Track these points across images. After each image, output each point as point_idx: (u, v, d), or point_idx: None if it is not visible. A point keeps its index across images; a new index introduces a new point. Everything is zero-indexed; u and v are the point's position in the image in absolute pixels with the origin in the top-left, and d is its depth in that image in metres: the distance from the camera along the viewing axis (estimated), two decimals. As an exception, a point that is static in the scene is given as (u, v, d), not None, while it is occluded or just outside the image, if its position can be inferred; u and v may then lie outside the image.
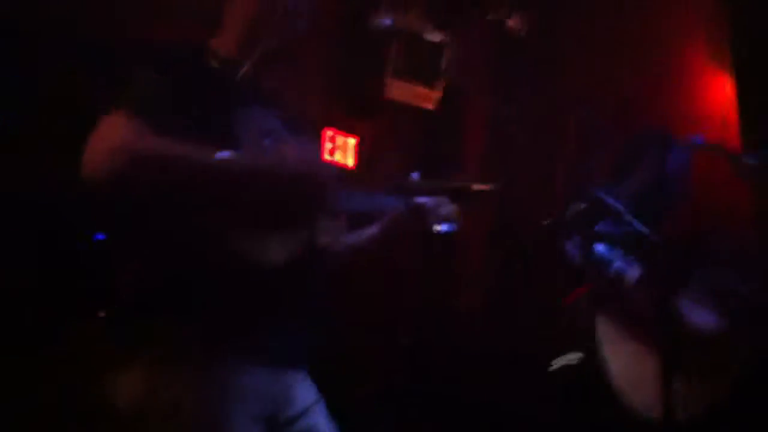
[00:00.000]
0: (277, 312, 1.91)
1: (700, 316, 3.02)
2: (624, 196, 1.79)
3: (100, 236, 3.18)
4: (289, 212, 1.86)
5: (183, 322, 1.81)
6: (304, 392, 2.01)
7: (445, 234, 2.09)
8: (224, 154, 1.77)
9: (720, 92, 4.35)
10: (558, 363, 3.04)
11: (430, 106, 4.03)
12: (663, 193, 3.31)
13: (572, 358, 3.03)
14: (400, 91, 3.73)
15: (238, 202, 1.81)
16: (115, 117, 1.77)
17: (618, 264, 2.97)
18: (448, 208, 2.09)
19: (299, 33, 2.07)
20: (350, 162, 4.15)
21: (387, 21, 2.08)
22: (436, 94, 3.86)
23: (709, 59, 4.49)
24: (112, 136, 1.74)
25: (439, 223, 2.08)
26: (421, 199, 2.09)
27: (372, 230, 2.20)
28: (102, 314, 2.84)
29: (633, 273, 2.97)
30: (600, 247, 2.99)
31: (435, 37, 2.56)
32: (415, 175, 2.18)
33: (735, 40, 4.15)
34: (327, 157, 3.79)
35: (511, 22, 4.77)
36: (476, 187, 2.07)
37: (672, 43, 4.59)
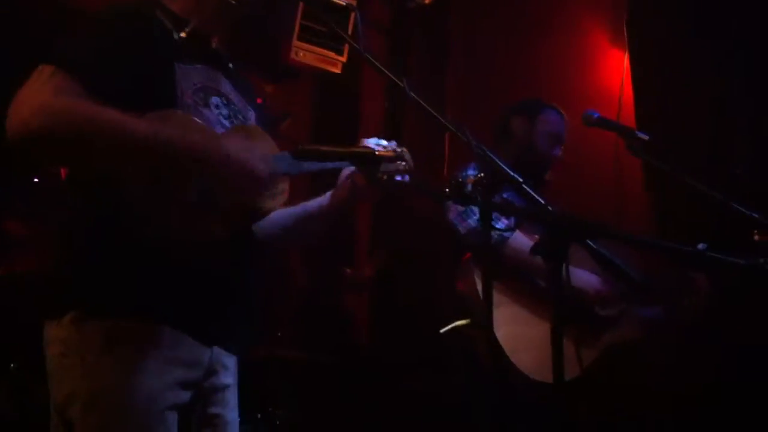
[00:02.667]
0: (215, 289, 1.90)
1: (584, 278, 3.15)
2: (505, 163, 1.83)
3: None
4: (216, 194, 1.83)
5: (118, 297, 1.80)
6: (229, 368, 2.01)
7: (401, 183, 2.08)
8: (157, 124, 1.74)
9: (617, 70, 4.48)
10: (446, 328, 3.10)
11: (336, 70, 4.02)
12: (537, 159, 3.41)
13: (460, 323, 3.10)
14: (306, 54, 3.70)
15: (165, 177, 1.77)
16: (43, 71, 1.72)
17: (500, 228, 3.05)
18: (402, 161, 2.08)
19: None
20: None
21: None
22: (342, 59, 3.85)
23: (607, 39, 4.62)
24: (39, 92, 1.69)
25: (394, 173, 2.07)
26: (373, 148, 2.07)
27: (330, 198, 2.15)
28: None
29: (517, 239, 3.06)
30: (475, 216, 3.06)
31: (341, 0, 2.55)
32: None
33: (631, 22, 4.27)
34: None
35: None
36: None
37: (572, 22, 4.70)
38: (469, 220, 3.11)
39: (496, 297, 3.02)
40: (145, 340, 1.80)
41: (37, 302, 1.96)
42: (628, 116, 4.13)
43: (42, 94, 1.69)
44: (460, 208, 3.12)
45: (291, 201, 2.06)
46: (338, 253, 4.85)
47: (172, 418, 1.82)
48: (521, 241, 3.04)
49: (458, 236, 3.15)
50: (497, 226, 3.06)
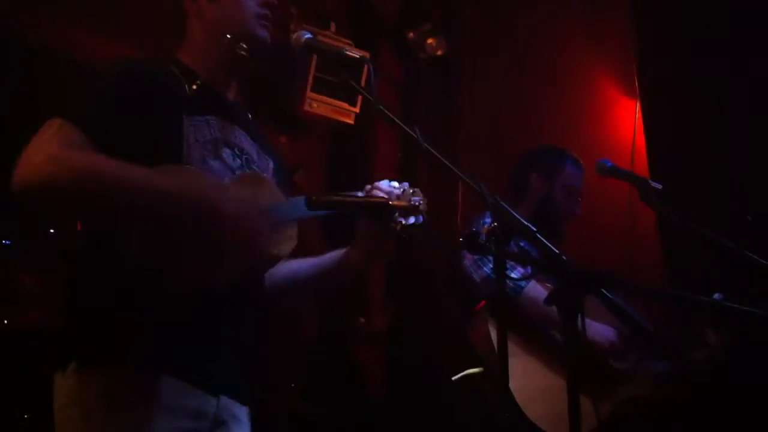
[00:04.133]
0: (220, 336, 1.89)
1: (600, 330, 3.12)
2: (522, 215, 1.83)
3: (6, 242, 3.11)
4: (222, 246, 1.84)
5: (119, 348, 1.79)
6: (240, 420, 1.99)
7: (414, 226, 2.08)
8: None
9: (628, 119, 4.49)
10: (458, 376, 3.07)
11: (349, 121, 4.06)
12: (557, 214, 3.40)
13: (473, 371, 3.07)
14: (320, 105, 3.75)
15: (164, 227, 1.78)
16: (52, 123, 1.76)
17: (514, 278, 3.03)
18: (417, 199, 2.09)
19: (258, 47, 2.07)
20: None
21: (306, 34, 2.09)
22: (355, 110, 3.90)
23: (619, 88, 4.64)
24: (46, 144, 1.72)
25: (407, 216, 2.07)
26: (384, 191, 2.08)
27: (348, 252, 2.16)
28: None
29: (532, 289, 3.04)
30: (490, 265, 3.05)
31: (354, 52, 2.56)
32: None
33: (642, 72, 4.28)
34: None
35: (430, 42, 4.85)
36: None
37: (583, 72, 4.72)
38: (484, 269, 3.10)
39: (510, 347, 2.98)
40: (146, 391, 1.78)
41: (45, 354, 1.96)
42: (642, 165, 4.13)
43: (49, 146, 1.72)
44: (475, 257, 3.11)
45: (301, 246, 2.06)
46: (351, 302, 4.83)
47: None
48: (536, 291, 3.02)
49: (472, 285, 3.14)
50: (512, 276, 3.04)
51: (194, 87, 1.98)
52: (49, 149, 1.71)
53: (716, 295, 2.70)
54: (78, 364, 1.79)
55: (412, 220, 2.07)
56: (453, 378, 3.08)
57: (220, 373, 1.91)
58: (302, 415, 4.01)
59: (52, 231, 3.38)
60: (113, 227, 1.76)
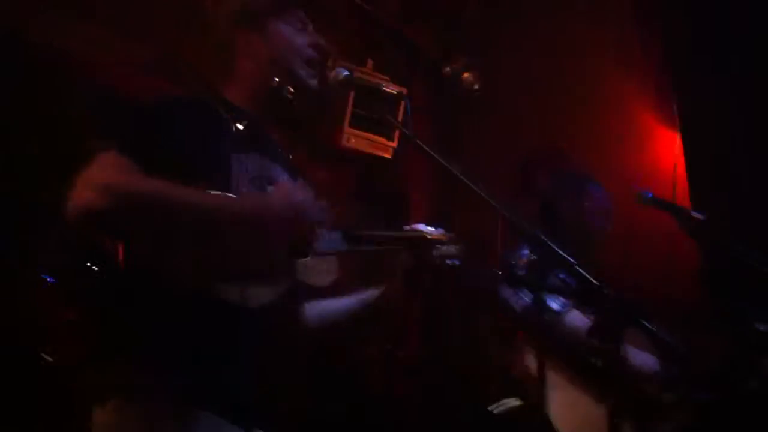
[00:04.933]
0: (257, 368, 1.90)
1: (642, 360, 3.08)
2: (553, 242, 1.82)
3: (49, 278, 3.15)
4: (272, 256, 1.85)
5: (163, 373, 1.80)
6: None
7: (454, 268, 2.10)
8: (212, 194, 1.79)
9: (669, 149, 4.46)
10: (498, 408, 3.04)
11: (387, 156, 4.08)
12: (582, 236, 3.39)
13: (512, 403, 3.04)
14: (357, 140, 3.78)
15: (221, 245, 1.80)
16: (105, 155, 1.78)
17: (555, 309, 3.02)
18: (453, 245, 2.10)
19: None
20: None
21: (344, 72, 2.12)
22: (393, 144, 3.92)
23: (657, 117, 4.62)
24: (101, 173, 1.74)
25: (447, 258, 2.09)
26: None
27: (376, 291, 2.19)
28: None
29: (572, 318, 3.02)
30: (531, 295, 3.03)
31: (391, 88, 2.60)
32: None
33: (681, 100, 4.27)
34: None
35: (466, 76, 4.87)
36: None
37: (620, 101, 4.71)
38: (525, 299, 3.09)
39: (551, 378, 2.98)
40: (183, 426, 1.78)
41: (85, 388, 1.98)
42: (683, 195, 4.10)
43: (103, 174, 1.74)
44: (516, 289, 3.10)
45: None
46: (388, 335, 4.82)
47: None
48: (578, 320, 3.00)
49: (512, 315, 3.12)
50: (552, 306, 3.03)
51: (240, 126, 2.00)
52: (104, 177, 1.73)
53: (761, 326, 2.66)
54: (117, 398, 1.80)
55: (448, 261, 2.09)
56: (493, 410, 3.05)
57: (255, 408, 1.91)
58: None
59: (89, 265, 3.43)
60: (160, 255, 1.78)
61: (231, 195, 1.84)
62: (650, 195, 2.95)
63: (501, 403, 3.00)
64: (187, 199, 1.76)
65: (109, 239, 1.84)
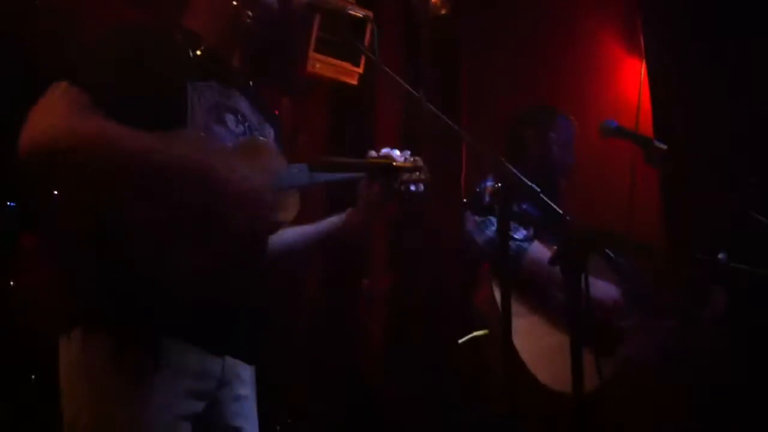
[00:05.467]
0: (224, 300, 1.89)
1: (602, 288, 3.14)
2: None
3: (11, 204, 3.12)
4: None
5: (122, 311, 1.79)
6: (244, 380, 2.00)
7: (416, 194, 2.09)
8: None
9: (634, 80, 4.47)
10: (465, 339, 3.09)
11: (353, 82, 4.02)
12: (552, 169, 3.42)
13: (478, 333, 3.09)
14: (323, 66, 3.71)
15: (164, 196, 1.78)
16: (58, 90, 1.75)
17: (518, 240, 3.06)
18: (420, 171, 2.10)
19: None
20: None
21: (308, -6, 2.08)
22: (359, 70, 3.86)
23: (623, 48, 4.61)
24: (54, 109, 1.72)
25: (411, 181, 2.09)
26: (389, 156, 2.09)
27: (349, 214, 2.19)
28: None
29: (536, 249, 3.06)
30: (493, 227, 3.06)
31: (358, 12, 2.55)
32: None
33: (647, 31, 4.26)
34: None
35: (434, 2, 4.81)
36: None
37: (587, 31, 4.69)
38: (487, 231, 3.11)
39: (514, 308, 3.00)
40: (150, 352, 1.79)
41: (49, 318, 1.97)
42: (647, 126, 4.12)
43: (56, 109, 1.72)
44: (478, 219, 3.12)
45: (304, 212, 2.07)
46: (354, 265, 4.85)
47: (186, 428, 1.82)
48: (540, 251, 3.04)
49: (476, 247, 3.15)
50: (515, 237, 3.06)
51: (198, 53, 1.96)
52: (57, 112, 1.71)
53: (721, 255, 2.71)
54: (83, 328, 1.80)
55: (413, 187, 2.08)
56: (459, 341, 3.10)
57: (224, 334, 1.91)
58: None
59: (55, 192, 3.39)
60: (108, 196, 1.76)
61: (188, 148, 1.79)
62: (615, 125, 2.96)
63: (469, 336, 3.05)
64: (137, 146, 1.73)
65: (60, 178, 1.80)
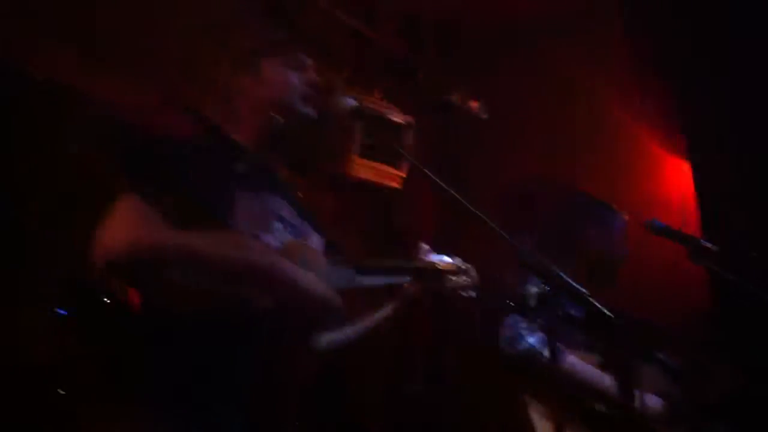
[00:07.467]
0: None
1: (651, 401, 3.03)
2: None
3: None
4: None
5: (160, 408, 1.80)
6: None
7: (465, 297, 2.09)
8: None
9: (679, 178, 4.45)
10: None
11: (394, 185, 4.06)
12: (613, 266, 3.37)
13: None
14: (365, 169, 3.76)
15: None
16: (126, 201, 1.81)
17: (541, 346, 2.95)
18: (466, 275, 2.10)
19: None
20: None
21: (350, 101, 2.15)
22: (400, 173, 3.90)
23: (666, 146, 4.61)
24: (126, 225, 1.79)
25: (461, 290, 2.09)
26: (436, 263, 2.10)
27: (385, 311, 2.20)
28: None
29: (572, 361, 2.95)
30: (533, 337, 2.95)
31: (398, 117, 2.60)
32: None
33: (690, 129, 4.26)
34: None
35: (473, 105, 4.86)
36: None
37: (628, 129, 4.70)
38: (529, 339, 2.99)
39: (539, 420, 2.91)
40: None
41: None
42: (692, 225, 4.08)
43: (130, 229, 1.78)
44: (520, 326, 3.00)
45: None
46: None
47: None
48: (575, 361, 2.94)
49: (508, 354, 3.01)
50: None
51: (243, 164, 2.01)
52: (130, 230, 1.77)
53: None
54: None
55: (464, 293, 2.09)
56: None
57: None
58: None
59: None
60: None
61: (256, 248, 1.85)
62: (660, 224, 2.93)
63: None
64: (208, 253, 1.79)
65: (129, 287, 1.85)
